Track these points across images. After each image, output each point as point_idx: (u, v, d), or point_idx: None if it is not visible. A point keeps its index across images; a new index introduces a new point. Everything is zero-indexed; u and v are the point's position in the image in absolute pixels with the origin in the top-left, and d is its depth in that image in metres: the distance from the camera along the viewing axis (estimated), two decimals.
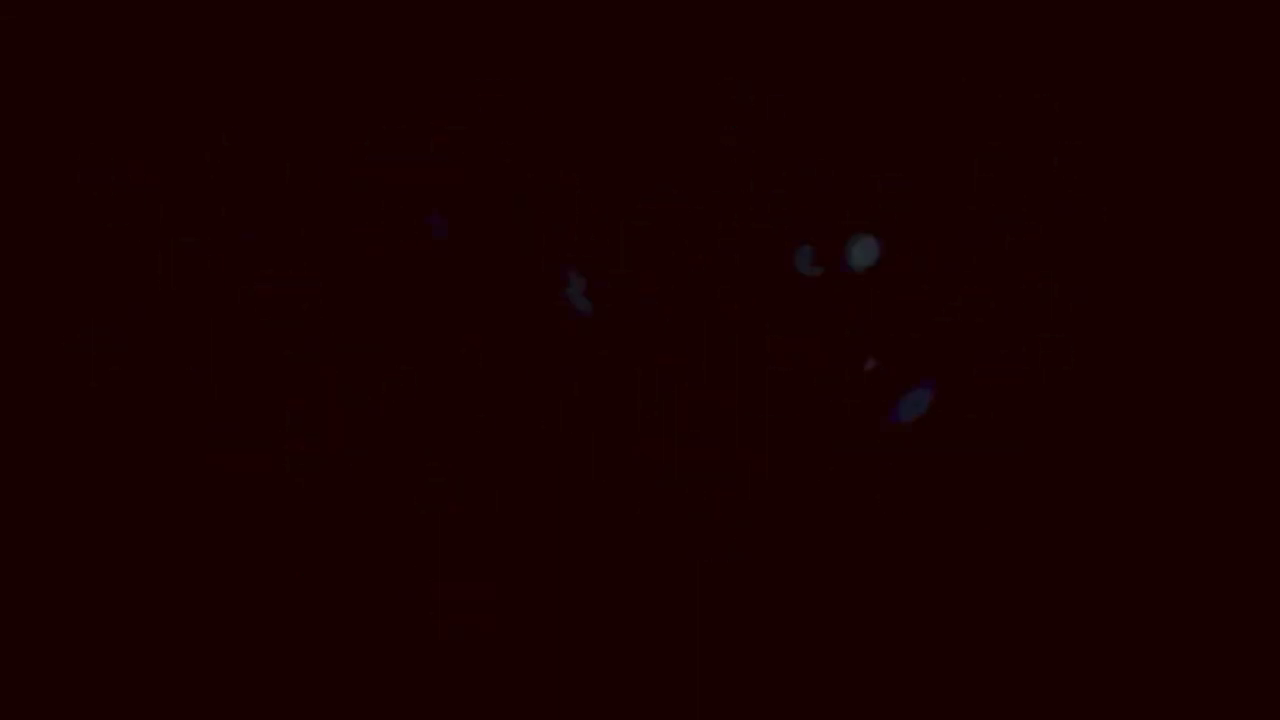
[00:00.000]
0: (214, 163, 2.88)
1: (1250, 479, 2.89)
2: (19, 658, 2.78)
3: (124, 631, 2.80)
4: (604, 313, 2.93)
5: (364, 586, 2.84)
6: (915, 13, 2.94)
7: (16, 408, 2.83)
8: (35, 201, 2.86)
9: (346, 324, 2.89)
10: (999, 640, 2.88)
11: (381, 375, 2.89)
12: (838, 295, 2.95)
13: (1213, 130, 2.94)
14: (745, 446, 2.92)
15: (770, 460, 2.92)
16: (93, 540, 2.82)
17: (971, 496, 2.92)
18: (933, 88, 2.95)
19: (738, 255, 2.94)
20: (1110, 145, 2.95)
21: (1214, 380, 2.92)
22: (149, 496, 2.83)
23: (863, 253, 2.90)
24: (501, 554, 2.87)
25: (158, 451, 2.84)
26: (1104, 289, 2.95)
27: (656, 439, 2.91)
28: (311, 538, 2.85)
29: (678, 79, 2.94)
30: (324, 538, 2.85)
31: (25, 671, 2.78)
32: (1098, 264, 2.95)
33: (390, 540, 2.86)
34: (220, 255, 2.88)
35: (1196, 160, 2.94)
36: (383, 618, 2.84)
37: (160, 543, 2.83)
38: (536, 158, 2.93)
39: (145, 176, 2.87)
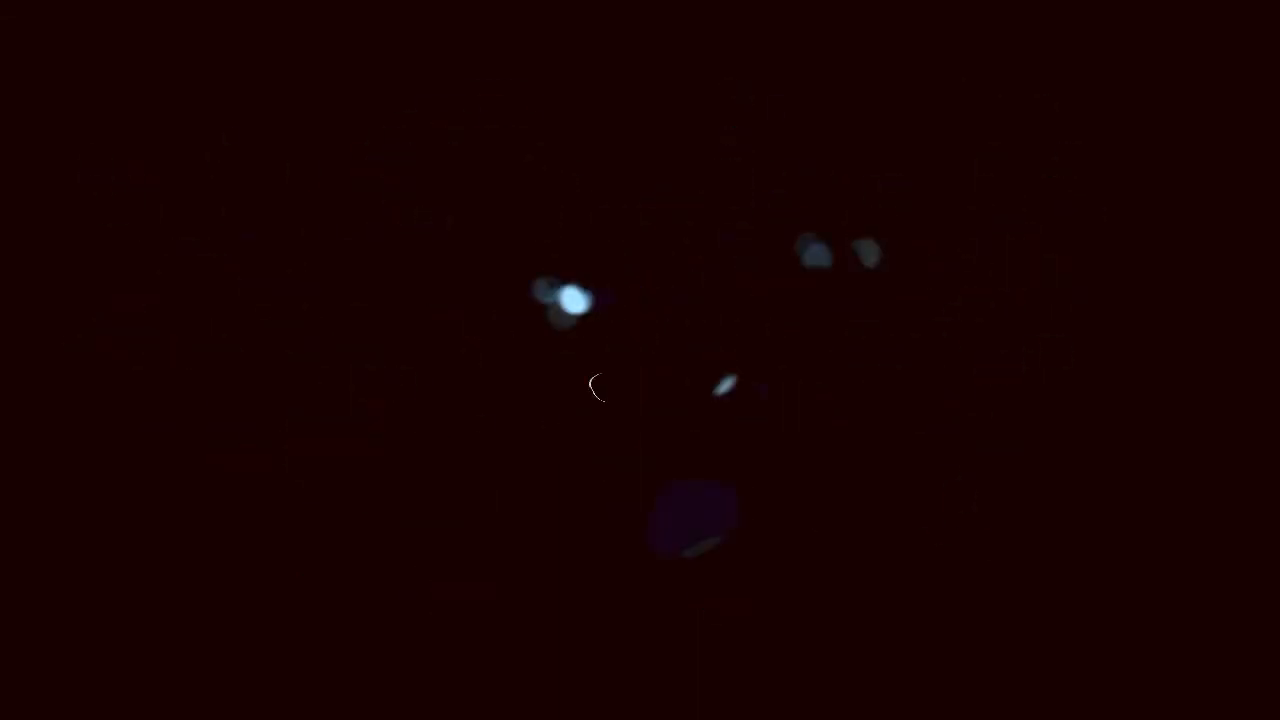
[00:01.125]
0: (214, 163, 2.89)
1: (1250, 478, 2.89)
2: (19, 658, 2.78)
3: (124, 631, 2.81)
4: (603, 312, 2.93)
5: (364, 586, 2.85)
6: (915, 13, 2.94)
7: (17, 408, 2.83)
8: (35, 201, 2.86)
9: (346, 324, 2.89)
10: (999, 640, 2.88)
11: (381, 375, 2.89)
12: (837, 295, 2.95)
13: (1213, 130, 2.94)
14: (744, 446, 2.92)
15: (769, 459, 2.92)
16: (93, 540, 2.82)
17: (971, 496, 2.92)
18: (933, 88, 2.95)
19: (738, 255, 2.94)
20: (1110, 145, 2.95)
21: (1213, 379, 2.92)
22: (149, 496, 2.83)
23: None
24: (501, 554, 2.88)
25: (158, 451, 2.84)
26: (1104, 289, 2.95)
27: (655, 439, 2.91)
28: (311, 538, 2.85)
29: (678, 79, 2.94)
30: (324, 538, 2.85)
31: (25, 671, 2.78)
32: (1097, 264, 2.96)
33: (390, 540, 2.86)
34: (220, 255, 2.88)
35: (1197, 160, 2.95)
36: (383, 618, 2.84)
37: (160, 542, 2.83)
38: (535, 158, 2.93)
39: (145, 176, 2.87)
